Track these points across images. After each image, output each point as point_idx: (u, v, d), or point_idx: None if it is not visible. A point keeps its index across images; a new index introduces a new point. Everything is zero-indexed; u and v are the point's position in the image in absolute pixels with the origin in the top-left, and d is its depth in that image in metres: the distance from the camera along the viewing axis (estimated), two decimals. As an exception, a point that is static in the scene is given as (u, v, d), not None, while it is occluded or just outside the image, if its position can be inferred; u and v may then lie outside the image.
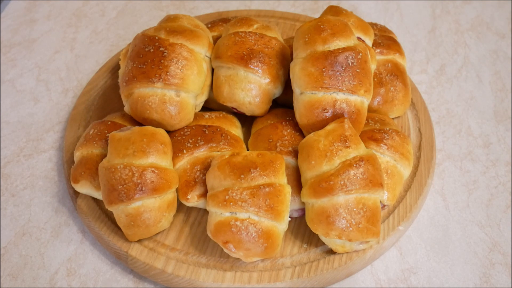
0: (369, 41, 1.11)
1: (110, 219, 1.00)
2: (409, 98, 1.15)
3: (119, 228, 0.98)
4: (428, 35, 1.48)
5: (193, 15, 1.50)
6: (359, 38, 1.07)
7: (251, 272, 0.93)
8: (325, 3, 1.56)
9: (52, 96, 1.30)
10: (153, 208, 0.92)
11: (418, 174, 1.07)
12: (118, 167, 0.91)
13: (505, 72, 1.37)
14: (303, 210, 0.99)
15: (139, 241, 0.97)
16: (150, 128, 0.95)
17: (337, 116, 0.97)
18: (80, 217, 1.03)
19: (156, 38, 1.01)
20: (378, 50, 1.14)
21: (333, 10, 1.12)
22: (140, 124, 1.04)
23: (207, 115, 1.08)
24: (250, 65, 1.02)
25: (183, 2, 1.57)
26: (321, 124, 0.98)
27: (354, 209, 0.90)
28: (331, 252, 0.96)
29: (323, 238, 0.93)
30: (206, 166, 0.98)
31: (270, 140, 1.02)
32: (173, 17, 1.10)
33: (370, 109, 1.12)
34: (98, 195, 0.99)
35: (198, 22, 1.11)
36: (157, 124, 1.01)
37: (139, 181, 0.90)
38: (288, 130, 1.04)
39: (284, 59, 1.07)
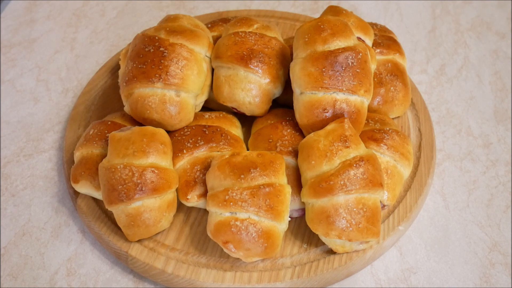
0: (369, 41, 1.11)
1: (110, 219, 1.00)
2: (409, 98, 1.15)
3: (119, 228, 0.98)
4: (428, 35, 1.48)
5: (193, 15, 1.50)
6: (359, 38, 1.07)
7: (251, 272, 0.93)
8: (325, 3, 1.56)
9: (52, 96, 1.30)
10: (153, 208, 0.92)
11: (418, 174, 1.07)
12: (118, 167, 0.91)
13: (505, 72, 1.37)
14: (303, 210, 0.99)
15: (139, 241, 0.97)
16: (150, 128, 0.95)
17: (337, 116, 0.97)
18: (80, 217, 1.03)
19: (156, 38, 1.01)
20: (378, 50, 1.14)
21: (333, 10, 1.12)
22: (140, 124, 1.04)
23: (207, 115, 1.08)
24: (250, 65, 1.02)
25: (183, 2, 1.57)
26: (321, 124, 0.98)
27: (354, 209, 0.90)
28: (331, 252, 0.96)
29: (323, 238, 0.93)
30: (206, 166, 0.98)
31: (270, 140, 1.02)
32: (173, 17, 1.10)
33: (370, 109, 1.12)
34: (98, 195, 0.99)
35: (198, 22, 1.11)
36: (157, 124, 1.01)
37: (139, 181, 0.90)
38: (288, 130, 1.04)
39: (284, 59, 1.07)
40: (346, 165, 0.90)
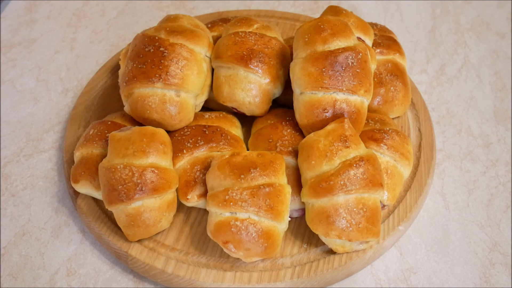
0: (369, 41, 1.11)
1: (110, 219, 1.00)
2: (409, 98, 1.15)
3: (119, 228, 0.98)
4: (428, 35, 1.48)
5: (193, 15, 1.50)
6: (359, 38, 1.07)
7: (251, 272, 0.93)
8: (325, 3, 1.56)
9: (52, 96, 1.30)
10: (153, 208, 0.92)
11: (418, 174, 1.07)
12: (118, 167, 0.91)
13: (505, 72, 1.37)
14: (303, 210, 0.99)
15: (139, 241, 0.97)
16: (150, 128, 0.95)
17: (337, 116, 0.97)
18: (80, 217, 1.03)
19: (156, 38, 1.01)
20: (378, 50, 1.14)
21: (333, 10, 1.12)
22: (140, 124, 1.04)
23: (207, 115, 1.08)
24: (250, 65, 1.03)
25: (183, 2, 1.57)
26: (321, 124, 0.98)
27: (354, 209, 0.90)
28: (331, 252, 0.96)
29: (323, 238, 0.93)
30: (206, 166, 0.98)
31: (270, 140, 1.02)
32: (173, 17, 1.10)
33: (370, 109, 1.12)
34: (98, 195, 0.99)
35: (198, 22, 1.11)
36: (157, 124, 1.01)
37: (139, 181, 0.90)
38: (288, 130, 1.04)
39: (284, 59, 1.07)
40: (346, 165, 0.90)
